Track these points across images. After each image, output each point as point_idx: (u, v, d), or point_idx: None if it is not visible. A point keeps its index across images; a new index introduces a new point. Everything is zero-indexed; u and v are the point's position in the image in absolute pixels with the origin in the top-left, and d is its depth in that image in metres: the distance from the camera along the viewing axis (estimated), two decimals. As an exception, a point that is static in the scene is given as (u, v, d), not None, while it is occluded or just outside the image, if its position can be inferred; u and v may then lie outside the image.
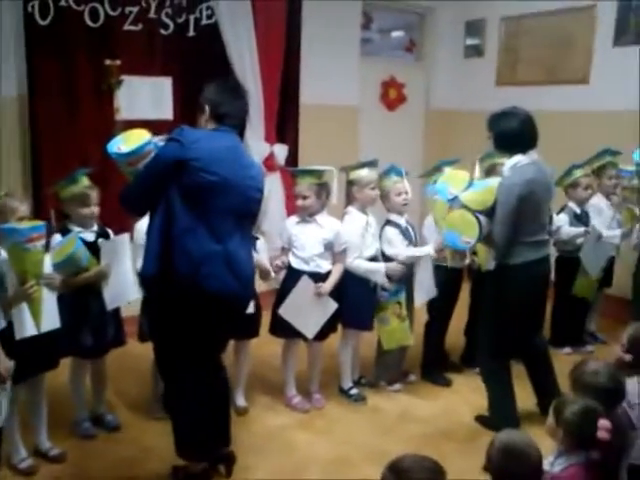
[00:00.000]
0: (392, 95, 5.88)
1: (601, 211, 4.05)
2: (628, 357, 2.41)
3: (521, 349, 3.21)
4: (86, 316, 2.87)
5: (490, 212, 2.87)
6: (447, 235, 2.96)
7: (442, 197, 3.09)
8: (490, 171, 3.61)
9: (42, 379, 2.76)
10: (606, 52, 4.89)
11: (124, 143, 2.59)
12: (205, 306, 2.38)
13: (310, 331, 3.17)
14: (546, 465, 2.08)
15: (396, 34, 6.20)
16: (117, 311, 2.98)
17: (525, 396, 3.22)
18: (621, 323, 3.16)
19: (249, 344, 3.29)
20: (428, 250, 3.29)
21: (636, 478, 2.25)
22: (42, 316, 2.45)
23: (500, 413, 3.11)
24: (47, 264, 2.55)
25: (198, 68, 4.40)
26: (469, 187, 2.99)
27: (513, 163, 2.91)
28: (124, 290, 2.88)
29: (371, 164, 3.34)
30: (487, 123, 3.02)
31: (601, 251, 3.94)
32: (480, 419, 3.22)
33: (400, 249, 3.33)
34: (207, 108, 2.47)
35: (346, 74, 5.33)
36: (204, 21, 4.41)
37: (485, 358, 3.16)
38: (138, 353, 3.19)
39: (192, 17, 4.36)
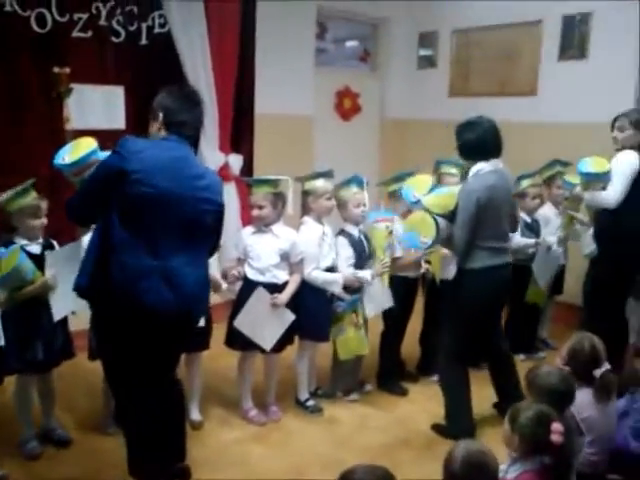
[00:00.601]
0: (347, 105, 5.92)
1: (549, 220, 4.16)
2: (567, 369, 2.47)
3: (481, 353, 3.30)
4: (35, 329, 2.79)
5: (451, 216, 2.96)
6: (406, 235, 3.05)
7: (407, 200, 3.24)
8: (438, 181, 3.66)
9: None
10: (552, 66, 5.05)
11: (69, 153, 2.53)
12: (142, 322, 2.30)
13: (267, 343, 3.14)
14: (500, 472, 2.11)
15: (350, 44, 6.25)
16: (65, 323, 2.91)
17: (480, 401, 3.26)
18: (572, 329, 3.25)
19: (200, 357, 3.23)
20: (366, 275, 3.30)
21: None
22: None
23: (456, 420, 3.15)
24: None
25: (151, 77, 4.32)
26: (432, 191, 3.11)
27: (476, 170, 3.01)
28: (70, 300, 2.78)
29: (326, 174, 3.35)
30: (455, 132, 3.12)
31: (550, 261, 4.04)
32: (436, 427, 3.25)
33: (342, 269, 3.32)
34: (160, 115, 2.38)
35: (301, 84, 5.34)
36: (157, 29, 4.34)
37: (445, 364, 3.20)
38: (88, 367, 3.10)
39: (144, 25, 4.29)
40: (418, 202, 3.10)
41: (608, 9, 4.66)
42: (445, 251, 3.50)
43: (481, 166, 2.99)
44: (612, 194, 3.51)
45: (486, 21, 5.42)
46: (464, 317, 3.07)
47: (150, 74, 4.31)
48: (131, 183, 2.21)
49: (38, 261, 2.75)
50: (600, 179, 3.56)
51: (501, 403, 3.25)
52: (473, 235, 2.95)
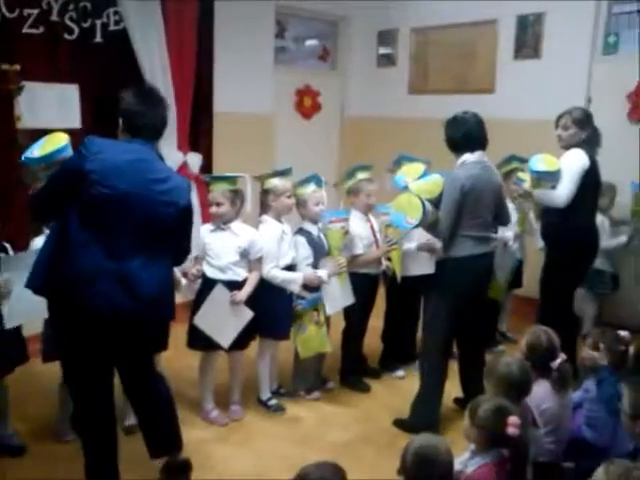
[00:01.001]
0: (307, 103, 5.91)
1: None
2: (527, 364, 2.51)
3: (462, 342, 3.34)
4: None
5: (437, 203, 3.05)
6: (394, 215, 3.11)
7: (398, 185, 3.38)
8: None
9: None
10: (509, 64, 5.15)
11: (40, 147, 2.49)
12: (95, 323, 2.27)
13: (226, 340, 3.11)
14: (459, 465, 2.13)
15: (310, 42, 6.24)
16: (18, 328, 2.83)
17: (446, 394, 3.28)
18: (530, 322, 3.31)
19: (159, 358, 3.16)
20: (323, 275, 3.30)
21: (539, 473, 2.35)
22: None
23: (422, 413, 3.17)
24: None
25: (107, 75, 4.23)
26: (421, 178, 3.23)
27: (461, 161, 3.13)
28: (24, 308, 2.70)
29: (285, 172, 3.34)
30: (443, 127, 3.23)
31: (508, 257, 4.10)
32: (398, 422, 3.26)
33: (301, 268, 3.33)
34: (120, 121, 2.39)
35: (261, 82, 5.32)
36: (112, 27, 4.25)
37: (426, 354, 3.22)
38: (42, 372, 3.05)
39: (99, 22, 4.19)
40: (406, 187, 3.17)
41: (560, 9, 4.77)
42: (409, 246, 3.55)
43: (466, 157, 3.11)
44: (562, 193, 3.52)
45: (444, 20, 5.49)
46: (447, 305, 3.11)
47: (106, 72, 4.22)
48: (89, 183, 2.21)
49: (-10, 265, 2.66)
50: (550, 177, 3.57)
51: (466, 397, 3.28)
52: (457, 222, 3.03)
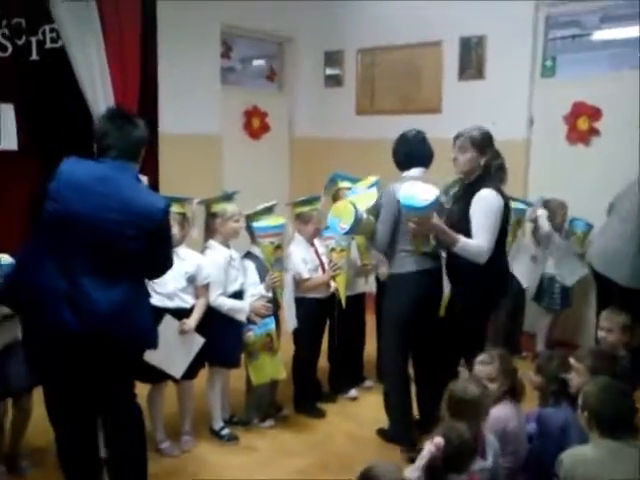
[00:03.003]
0: (255, 124, 5.85)
1: None
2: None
3: (417, 362, 3.31)
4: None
5: (376, 214, 3.11)
6: (330, 220, 3.10)
7: (334, 233, 3.31)
8: (336, 197, 3.64)
9: None
10: (453, 84, 5.23)
11: None
12: (47, 342, 2.25)
13: (177, 371, 2.99)
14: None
15: (257, 63, 6.22)
16: None
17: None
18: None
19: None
20: (260, 290, 3.26)
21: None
22: None
23: (400, 421, 3.19)
24: None
25: (45, 94, 4.10)
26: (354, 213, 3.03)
27: (402, 176, 3.17)
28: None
29: (229, 197, 3.27)
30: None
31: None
32: (381, 432, 3.28)
33: (249, 293, 3.26)
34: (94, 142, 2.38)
35: (207, 103, 5.24)
36: (48, 44, 4.11)
37: (384, 369, 3.26)
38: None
39: (34, 39, 4.05)
40: (350, 230, 3.05)
41: (500, 32, 4.88)
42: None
43: (406, 174, 3.16)
44: (485, 243, 2.89)
45: (390, 41, 5.54)
46: (393, 323, 3.13)
47: (44, 91, 4.09)
48: (48, 200, 2.23)
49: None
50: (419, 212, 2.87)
51: (421, 418, 3.26)
52: (395, 235, 3.07)
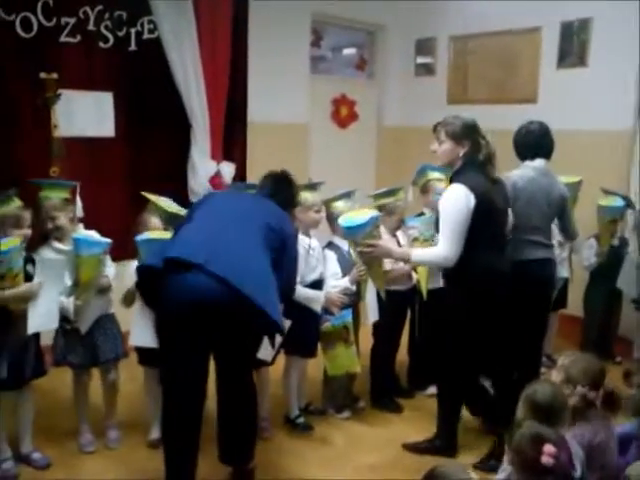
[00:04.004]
0: (343, 112, 5.82)
1: None
2: (592, 395, 2.33)
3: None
4: (3, 345, 2.69)
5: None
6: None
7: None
8: (425, 189, 3.54)
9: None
10: (552, 73, 4.95)
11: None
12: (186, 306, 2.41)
13: (267, 355, 2.98)
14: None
15: (347, 52, 6.17)
16: (37, 338, 2.82)
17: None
18: (575, 343, 3.11)
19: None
20: (345, 283, 3.22)
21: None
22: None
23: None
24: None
25: (141, 83, 4.25)
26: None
27: (524, 165, 3.23)
28: (48, 316, 2.73)
29: (313, 186, 3.27)
30: None
31: None
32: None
33: (328, 284, 3.24)
34: None
35: (296, 92, 5.25)
36: (146, 35, 4.24)
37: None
38: (58, 381, 3.11)
39: (133, 31, 4.19)
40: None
41: (607, 14, 4.56)
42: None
43: (528, 162, 3.22)
44: (443, 250, 2.73)
45: (484, 27, 5.33)
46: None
47: (140, 80, 4.24)
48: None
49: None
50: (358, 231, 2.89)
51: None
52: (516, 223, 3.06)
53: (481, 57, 5.46)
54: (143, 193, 3.13)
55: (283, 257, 2.59)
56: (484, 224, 2.73)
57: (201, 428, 2.54)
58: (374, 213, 2.91)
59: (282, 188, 2.85)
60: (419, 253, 2.87)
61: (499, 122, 5.07)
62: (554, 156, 3.31)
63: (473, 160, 2.79)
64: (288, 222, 2.74)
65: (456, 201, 2.71)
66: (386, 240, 3.10)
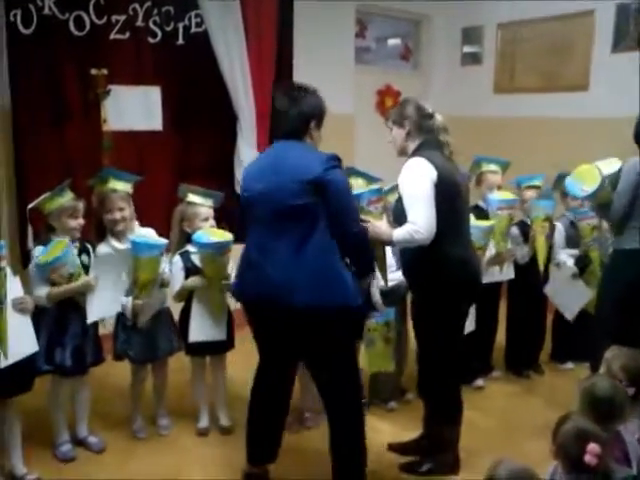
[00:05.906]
0: (388, 103, 5.78)
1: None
2: (631, 391, 2.26)
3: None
4: (66, 333, 2.80)
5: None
6: (569, 183, 2.99)
7: (574, 194, 3.12)
8: (480, 180, 3.49)
9: (13, 400, 2.62)
10: (605, 58, 4.80)
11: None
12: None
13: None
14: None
15: (392, 42, 6.12)
16: (96, 328, 2.90)
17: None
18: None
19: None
20: (399, 275, 2.97)
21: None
22: (7, 343, 2.35)
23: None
24: (18, 288, 2.47)
25: (188, 77, 4.32)
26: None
27: None
28: (106, 305, 2.83)
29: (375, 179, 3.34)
30: None
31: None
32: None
33: None
34: None
35: (341, 82, 5.23)
36: (193, 29, 4.31)
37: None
38: (116, 370, 3.17)
39: (181, 25, 4.26)
40: (592, 195, 2.91)
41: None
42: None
43: None
44: (417, 222, 2.47)
45: (533, 14, 5.20)
46: (613, 301, 2.94)
47: (187, 74, 4.30)
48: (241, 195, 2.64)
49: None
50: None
51: None
52: (630, 209, 2.91)
53: (530, 44, 5.33)
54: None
55: (329, 208, 2.31)
56: (454, 206, 2.61)
57: None
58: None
59: (297, 98, 2.55)
60: (396, 231, 2.54)
61: (548, 110, 5.02)
62: (609, 145, 3.19)
63: (427, 140, 2.70)
64: (318, 163, 2.35)
65: (420, 169, 2.56)
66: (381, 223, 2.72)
